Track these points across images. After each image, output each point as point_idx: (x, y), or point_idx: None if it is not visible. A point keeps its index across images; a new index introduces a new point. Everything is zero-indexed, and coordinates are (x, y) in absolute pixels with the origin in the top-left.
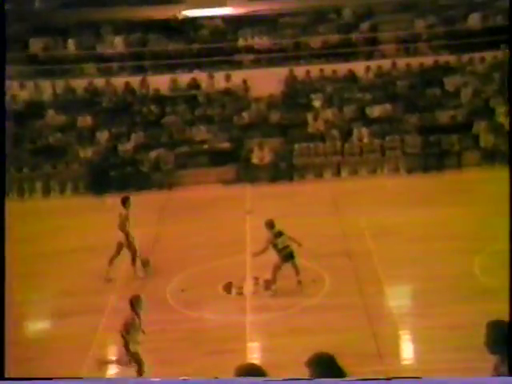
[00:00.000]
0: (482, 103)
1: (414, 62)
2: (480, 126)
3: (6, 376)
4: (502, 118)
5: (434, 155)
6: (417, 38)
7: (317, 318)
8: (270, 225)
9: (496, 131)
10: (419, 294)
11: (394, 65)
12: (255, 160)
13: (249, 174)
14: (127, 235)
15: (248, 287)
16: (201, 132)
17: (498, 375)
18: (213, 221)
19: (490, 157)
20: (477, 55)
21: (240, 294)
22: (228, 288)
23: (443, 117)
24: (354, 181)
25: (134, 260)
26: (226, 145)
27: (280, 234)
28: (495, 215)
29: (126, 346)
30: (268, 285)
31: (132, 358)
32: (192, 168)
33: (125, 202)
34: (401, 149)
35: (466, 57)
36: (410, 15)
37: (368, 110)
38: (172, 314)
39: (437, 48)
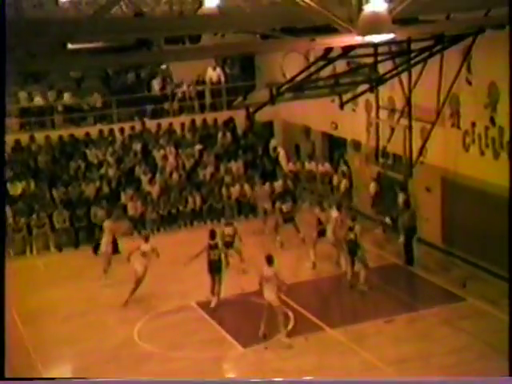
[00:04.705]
0: (127, 172)
1: (53, 134)
2: (127, 195)
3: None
4: (148, 187)
5: (84, 228)
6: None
7: None
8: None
9: (144, 199)
10: (83, 370)
11: (32, 138)
12: None
13: None
14: None
15: None
16: None
17: None
18: None
19: (140, 224)
20: (116, 126)
21: None
22: None
23: (89, 189)
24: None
25: None
26: None
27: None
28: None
29: None
30: None
31: None
32: None
33: None
34: (49, 225)
35: (106, 128)
36: (42, 86)
37: (9, 187)
38: None
39: (76, 120)
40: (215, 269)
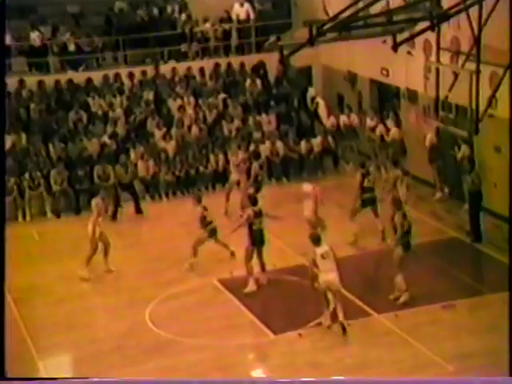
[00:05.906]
0: (137, 126)
1: (48, 79)
2: (138, 153)
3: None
4: (162, 143)
5: (86, 191)
6: None
7: None
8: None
9: (158, 158)
10: (83, 361)
11: (21, 83)
12: None
13: None
14: None
15: None
16: None
17: None
18: None
19: (153, 187)
20: (124, 71)
21: None
22: None
23: (92, 145)
24: None
25: None
26: None
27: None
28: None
29: None
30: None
31: None
32: None
33: None
34: (45, 187)
35: (111, 73)
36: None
37: None
38: None
39: (76, 63)
40: (259, 240)
